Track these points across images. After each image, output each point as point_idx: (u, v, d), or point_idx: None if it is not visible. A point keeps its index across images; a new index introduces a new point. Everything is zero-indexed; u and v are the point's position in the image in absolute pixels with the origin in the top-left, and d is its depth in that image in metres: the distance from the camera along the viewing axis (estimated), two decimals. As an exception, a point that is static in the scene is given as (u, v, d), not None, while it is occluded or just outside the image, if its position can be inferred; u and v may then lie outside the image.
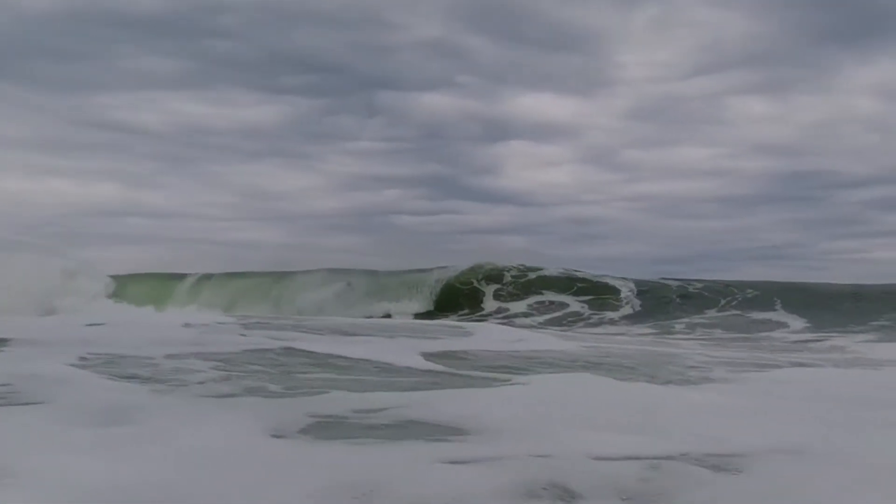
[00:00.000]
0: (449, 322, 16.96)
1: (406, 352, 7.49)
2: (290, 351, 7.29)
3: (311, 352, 7.32)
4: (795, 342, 14.98)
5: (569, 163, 43.30)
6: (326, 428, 3.80)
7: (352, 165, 42.26)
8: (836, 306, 21.84)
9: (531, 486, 2.78)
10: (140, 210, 42.28)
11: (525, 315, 22.65)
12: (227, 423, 3.83)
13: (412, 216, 41.38)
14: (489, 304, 23.93)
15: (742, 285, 23.81)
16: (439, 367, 6.69)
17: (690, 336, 17.30)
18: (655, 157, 42.10)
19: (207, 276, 27.78)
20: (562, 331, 19.69)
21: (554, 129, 44.67)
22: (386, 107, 42.21)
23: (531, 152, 42.94)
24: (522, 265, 25.85)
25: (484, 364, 7.16)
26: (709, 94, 39.80)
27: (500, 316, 22.74)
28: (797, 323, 19.84)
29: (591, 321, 21.69)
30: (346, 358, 7.03)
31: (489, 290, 24.62)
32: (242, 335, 8.63)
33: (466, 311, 23.69)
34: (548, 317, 22.30)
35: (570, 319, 21.93)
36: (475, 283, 25.02)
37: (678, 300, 23.19)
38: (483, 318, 22.60)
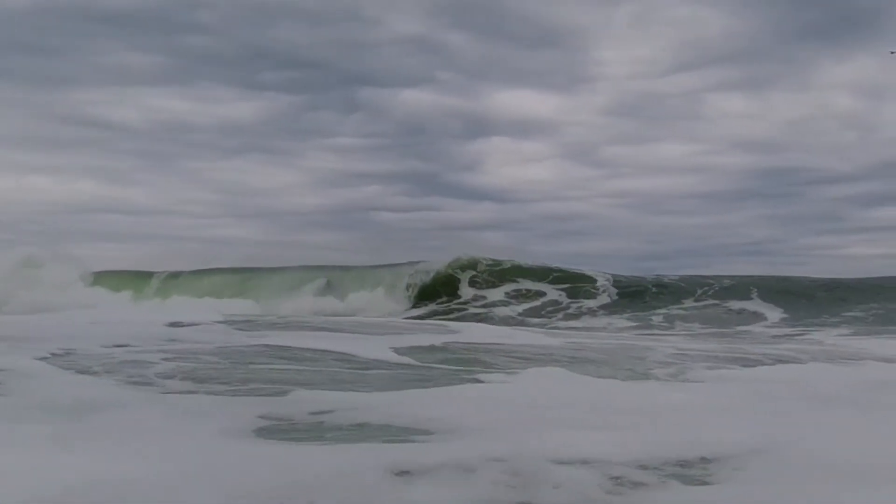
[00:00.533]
0: (433, 322, 16.87)
1: (380, 348, 7.34)
2: (261, 349, 7.14)
3: (285, 346, 7.19)
4: (774, 336, 15.04)
5: (549, 159, 43.37)
6: (279, 430, 3.67)
7: (332, 162, 42.02)
8: (811, 296, 22.06)
9: (489, 496, 2.65)
10: (120, 207, 41.71)
11: (503, 304, 22.61)
12: (180, 421, 3.74)
13: (392, 213, 41.26)
14: (465, 292, 23.86)
15: (719, 278, 23.98)
16: (411, 362, 6.56)
17: (670, 331, 17.38)
18: (635, 153, 42.28)
19: (175, 275, 27.40)
20: (542, 323, 19.69)
21: (534, 126, 44.72)
22: (366, 103, 41.98)
23: (512, 149, 42.95)
24: (494, 260, 25.81)
25: (457, 358, 7.05)
26: (689, 90, 40.02)
27: (477, 304, 22.70)
28: (774, 314, 20.00)
29: (569, 311, 21.70)
30: (315, 351, 6.90)
31: (465, 276, 24.56)
32: (218, 332, 8.49)
33: (444, 298, 23.62)
34: (526, 306, 22.27)
35: (548, 309, 21.91)
36: (451, 272, 24.91)
37: (654, 289, 23.24)
38: (462, 307, 22.57)
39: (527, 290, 23.72)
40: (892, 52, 33.92)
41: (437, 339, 8.57)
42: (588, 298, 22.79)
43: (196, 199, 43.23)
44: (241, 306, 20.95)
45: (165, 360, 6.03)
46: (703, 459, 3.18)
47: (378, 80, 42.80)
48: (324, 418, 3.88)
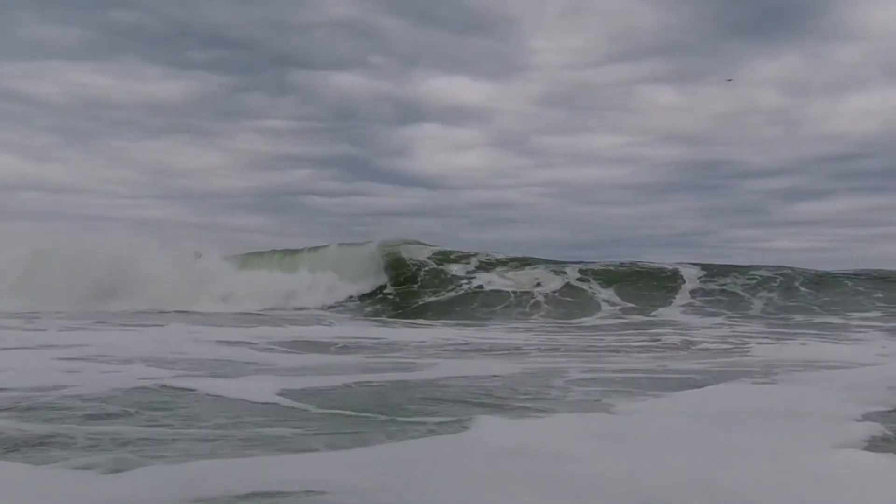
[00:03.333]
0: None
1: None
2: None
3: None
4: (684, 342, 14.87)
5: (480, 147, 43.09)
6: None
7: (261, 144, 40.72)
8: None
9: None
10: (38, 184, 39.45)
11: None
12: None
13: (322, 197, 40.42)
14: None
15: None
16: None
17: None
18: (566, 143, 42.43)
19: None
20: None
21: (466, 113, 44.39)
22: (297, 85, 40.78)
23: (443, 135, 42.57)
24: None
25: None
26: (619, 82, 40.20)
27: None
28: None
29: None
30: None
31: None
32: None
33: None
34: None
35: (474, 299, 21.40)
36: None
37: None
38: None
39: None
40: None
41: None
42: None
43: (119, 179, 41.19)
44: None
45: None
46: None
47: (310, 62, 41.54)
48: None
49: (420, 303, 21.14)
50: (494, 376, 7.15)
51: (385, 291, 22.61)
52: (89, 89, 38.18)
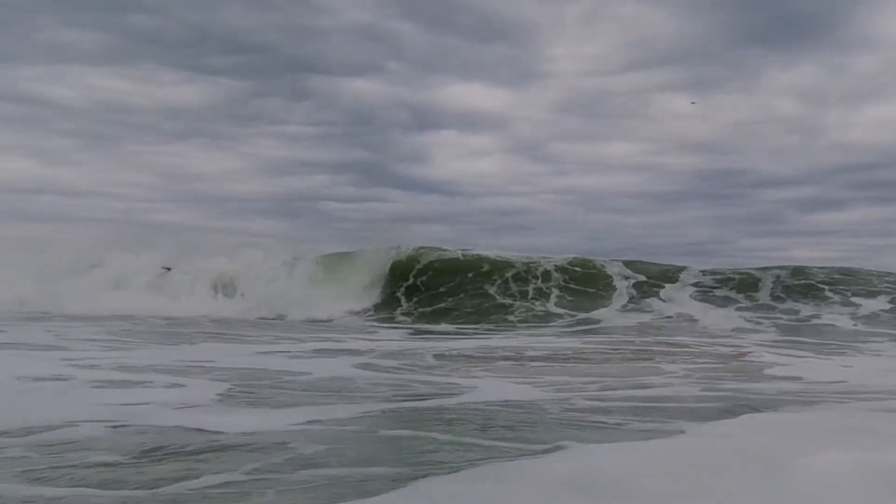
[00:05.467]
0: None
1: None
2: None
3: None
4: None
5: (497, 153, 42.95)
6: None
7: (278, 149, 41.09)
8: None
9: None
10: (55, 188, 40.42)
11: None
12: None
13: (338, 202, 40.63)
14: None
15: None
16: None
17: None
18: (582, 150, 42.12)
19: None
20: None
21: (483, 120, 44.25)
22: (314, 91, 41.03)
23: (459, 142, 42.55)
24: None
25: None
26: (636, 89, 39.75)
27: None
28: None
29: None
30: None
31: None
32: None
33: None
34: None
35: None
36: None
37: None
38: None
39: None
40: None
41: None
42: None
43: (136, 183, 41.98)
44: None
45: None
46: None
47: (327, 68, 41.74)
48: None
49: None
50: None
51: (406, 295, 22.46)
52: (107, 93, 38.94)
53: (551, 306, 20.27)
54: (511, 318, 19.46)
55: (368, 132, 42.58)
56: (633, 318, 18.44)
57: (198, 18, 38.68)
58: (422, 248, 24.21)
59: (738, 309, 19.36)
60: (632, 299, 20.35)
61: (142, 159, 41.79)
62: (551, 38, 41.20)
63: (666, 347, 12.04)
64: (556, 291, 21.29)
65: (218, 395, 6.34)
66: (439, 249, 24.40)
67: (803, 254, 36.67)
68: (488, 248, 24.45)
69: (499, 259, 23.53)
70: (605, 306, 19.81)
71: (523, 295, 21.21)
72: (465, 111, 43.49)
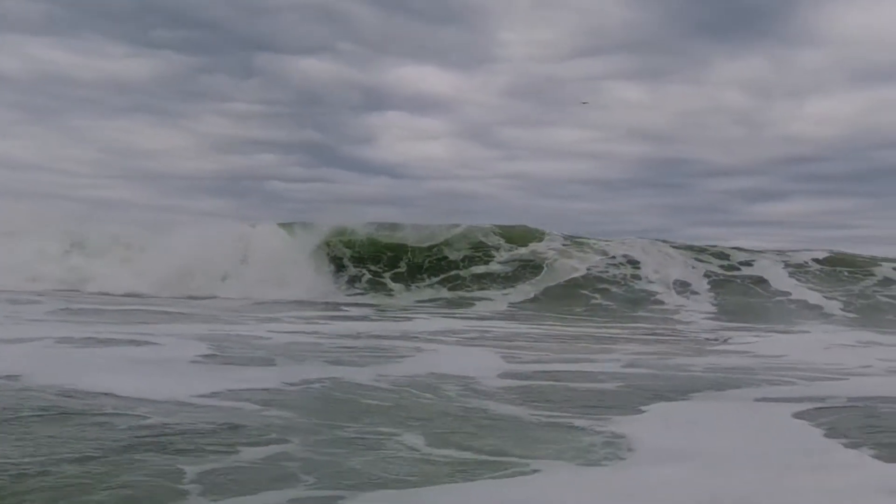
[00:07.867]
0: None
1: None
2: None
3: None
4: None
5: (446, 137, 42.39)
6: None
7: (226, 127, 39.46)
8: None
9: None
10: (-2, 161, 37.56)
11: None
12: None
13: (285, 182, 39.40)
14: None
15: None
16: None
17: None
18: (531, 136, 41.96)
19: None
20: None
21: (432, 102, 43.63)
22: (263, 69, 39.63)
23: (408, 124, 41.90)
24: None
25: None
26: (587, 76, 39.78)
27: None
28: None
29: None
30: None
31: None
32: None
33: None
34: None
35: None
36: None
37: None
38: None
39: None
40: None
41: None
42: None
43: (79, 158, 39.55)
44: None
45: None
46: None
47: (277, 46, 40.24)
48: None
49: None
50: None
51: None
52: (51, 65, 36.68)
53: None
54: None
55: (318, 112, 41.52)
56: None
57: (143, -10, 36.49)
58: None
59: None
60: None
61: (86, 134, 39.37)
62: (504, 23, 40.87)
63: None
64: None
65: None
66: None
67: (747, 243, 37.66)
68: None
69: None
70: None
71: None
72: (416, 93, 43.04)
